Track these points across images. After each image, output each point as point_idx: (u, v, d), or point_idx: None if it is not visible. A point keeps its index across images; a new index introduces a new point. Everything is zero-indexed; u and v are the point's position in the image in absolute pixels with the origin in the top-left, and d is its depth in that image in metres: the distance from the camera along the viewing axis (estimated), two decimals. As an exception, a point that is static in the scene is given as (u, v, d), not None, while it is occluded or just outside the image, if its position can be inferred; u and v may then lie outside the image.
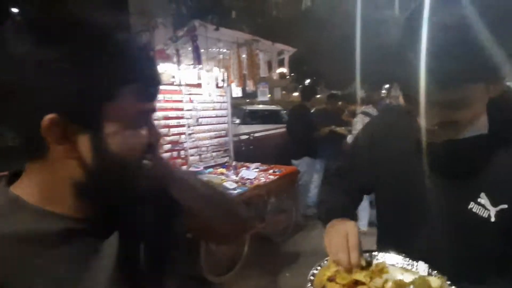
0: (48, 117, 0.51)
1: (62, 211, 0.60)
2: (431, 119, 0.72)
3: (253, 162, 4.40)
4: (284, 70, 4.38)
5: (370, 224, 4.18)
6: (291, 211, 4.32)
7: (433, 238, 0.85)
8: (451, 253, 0.82)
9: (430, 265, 0.81)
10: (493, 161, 0.78)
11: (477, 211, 0.79)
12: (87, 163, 0.56)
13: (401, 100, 0.80)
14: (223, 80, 3.83)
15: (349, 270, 0.78)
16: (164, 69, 3.30)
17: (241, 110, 9.90)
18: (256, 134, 6.40)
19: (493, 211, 0.77)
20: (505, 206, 0.76)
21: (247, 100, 12.37)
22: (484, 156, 0.79)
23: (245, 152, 5.70)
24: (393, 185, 0.94)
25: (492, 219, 0.77)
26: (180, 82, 3.43)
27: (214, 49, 3.30)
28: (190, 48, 2.98)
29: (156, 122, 0.66)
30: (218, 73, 3.64)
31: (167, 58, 2.98)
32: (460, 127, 0.75)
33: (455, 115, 0.71)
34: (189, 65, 3.27)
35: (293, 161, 4.67)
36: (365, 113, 4.22)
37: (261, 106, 10.98)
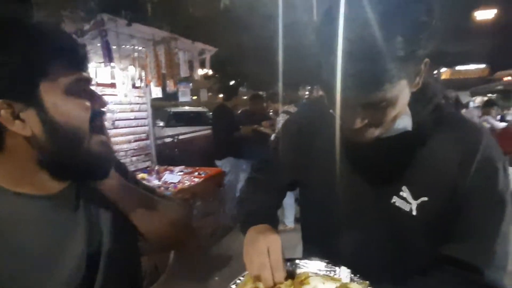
0: None
1: (33, 191, 0.68)
2: (353, 121, 0.70)
3: (178, 165, 4.23)
4: (206, 71, 4.28)
5: (297, 220, 4.29)
6: (218, 214, 4.24)
7: (357, 237, 0.84)
8: (375, 252, 0.82)
9: (352, 270, 0.78)
10: (414, 156, 0.79)
11: (400, 205, 0.79)
12: (41, 138, 0.64)
13: (326, 101, 0.77)
14: (140, 80, 3.60)
15: None
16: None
17: (165, 112, 9.54)
18: (181, 137, 6.21)
19: (414, 204, 0.77)
20: (425, 198, 0.77)
21: (173, 102, 12.00)
22: (407, 152, 0.79)
23: (169, 155, 5.49)
24: (315, 182, 0.91)
25: (414, 213, 0.77)
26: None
27: (128, 47, 3.08)
28: (99, 44, 2.72)
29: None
30: (134, 72, 3.40)
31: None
32: (385, 126, 0.73)
33: (378, 116, 0.69)
34: (100, 63, 3.00)
35: (217, 162, 4.60)
36: (287, 112, 4.31)
37: (187, 108, 10.73)
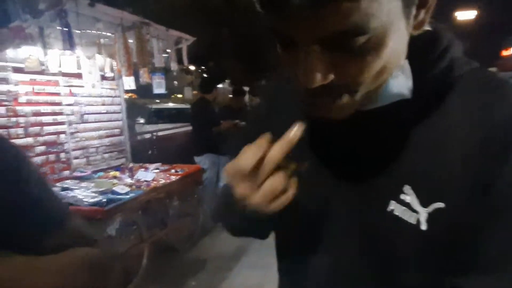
0: None
1: None
2: (310, 76, 0.43)
3: (155, 163, 3.97)
4: (187, 65, 4.03)
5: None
6: (196, 214, 3.99)
7: (342, 263, 0.57)
8: (364, 282, 0.55)
9: None
10: (421, 138, 0.50)
11: (401, 215, 0.50)
12: None
13: (279, 51, 0.48)
14: (111, 70, 3.32)
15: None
16: (29, 53, 2.69)
17: (146, 109, 9.24)
18: (160, 133, 5.95)
19: (423, 213, 0.49)
20: (441, 205, 0.47)
21: (157, 101, 11.70)
22: (406, 133, 0.51)
23: (147, 152, 5.22)
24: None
25: (423, 227, 0.49)
26: (51, 70, 2.84)
27: (93, 32, 2.80)
28: (59, 28, 2.44)
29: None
30: (102, 61, 3.12)
31: (28, 39, 2.40)
32: (364, 88, 0.46)
33: (352, 66, 0.43)
34: (63, 50, 2.72)
35: (196, 158, 4.36)
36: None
37: (170, 105, 10.47)
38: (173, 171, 3.73)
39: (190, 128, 6.34)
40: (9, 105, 2.85)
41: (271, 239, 0.71)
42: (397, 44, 0.44)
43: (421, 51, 0.50)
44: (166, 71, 4.04)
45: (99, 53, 2.89)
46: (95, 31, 2.75)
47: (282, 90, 0.68)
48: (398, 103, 0.50)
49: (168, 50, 3.70)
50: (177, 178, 3.51)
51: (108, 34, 2.94)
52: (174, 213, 3.53)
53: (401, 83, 0.50)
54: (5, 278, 0.49)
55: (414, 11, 0.44)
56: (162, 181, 3.35)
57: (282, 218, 0.58)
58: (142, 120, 8.72)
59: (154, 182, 3.31)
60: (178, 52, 3.88)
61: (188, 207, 3.81)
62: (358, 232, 0.54)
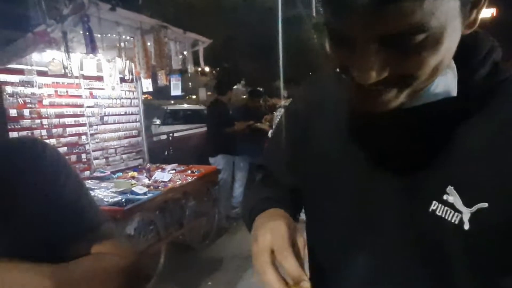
0: None
1: None
2: (366, 72, 0.44)
3: (172, 163, 4.03)
4: (201, 65, 4.08)
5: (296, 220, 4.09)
6: (212, 214, 4.03)
7: (377, 260, 0.58)
8: (405, 282, 0.56)
9: None
10: (463, 138, 0.51)
11: (443, 215, 0.51)
12: None
13: (328, 50, 0.51)
14: (129, 73, 3.39)
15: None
16: (52, 56, 2.78)
17: (162, 110, 9.36)
18: (176, 134, 6.03)
19: (466, 213, 0.50)
20: (485, 205, 0.48)
21: (172, 102, 11.84)
22: (451, 131, 0.52)
23: (163, 153, 5.30)
24: (323, 183, 0.65)
25: (466, 226, 0.50)
26: (74, 73, 2.92)
27: (113, 36, 2.87)
28: (82, 32, 2.52)
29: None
30: (122, 64, 3.20)
31: (52, 43, 2.48)
32: (417, 85, 0.46)
33: (412, 62, 0.44)
34: (85, 53, 2.80)
35: (210, 159, 4.41)
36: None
37: (185, 106, 10.57)
38: (189, 171, 3.78)
39: (205, 129, 6.43)
40: (34, 107, 2.95)
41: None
42: (452, 42, 0.45)
43: (466, 52, 0.50)
44: (182, 73, 4.10)
45: (119, 56, 2.96)
46: (115, 35, 2.82)
47: (323, 90, 0.69)
48: (443, 101, 0.51)
49: (185, 52, 3.75)
50: (193, 178, 3.56)
51: (128, 37, 3.00)
52: (190, 213, 3.57)
53: (449, 81, 0.51)
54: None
55: (468, 9, 0.45)
56: (179, 182, 3.40)
57: (319, 213, 0.60)
58: (158, 121, 8.84)
59: (171, 182, 3.37)
60: (195, 54, 3.94)
61: (204, 207, 3.85)
62: (400, 231, 0.55)
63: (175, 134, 5.95)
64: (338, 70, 0.50)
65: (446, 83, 0.51)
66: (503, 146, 0.49)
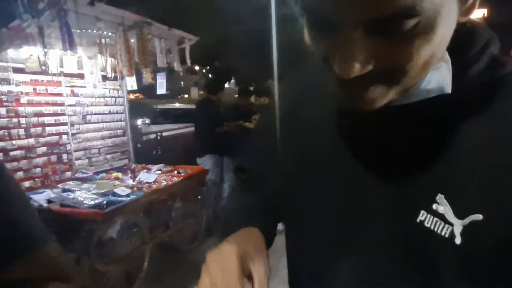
0: None
1: None
2: (352, 62, 0.37)
3: (160, 163, 3.93)
4: (188, 64, 3.98)
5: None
6: (200, 215, 3.94)
7: (362, 273, 0.52)
8: None
9: None
10: (456, 140, 0.45)
11: (432, 226, 0.44)
12: None
13: (306, 40, 0.44)
14: (112, 70, 3.28)
15: None
16: (29, 53, 2.66)
17: (151, 109, 9.24)
18: (165, 134, 5.92)
19: (458, 225, 0.43)
20: (479, 216, 0.41)
21: (163, 101, 11.71)
22: (443, 132, 0.45)
23: (151, 153, 5.20)
24: (305, 188, 0.59)
25: (457, 240, 0.43)
26: (52, 71, 2.81)
27: (94, 32, 2.76)
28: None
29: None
30: (104, 61, 3.09)
31: (28, 39, 2.37)
32: (407, 80, 0.40)
33: (398, 54, 0.38)
34: (64, 50, 2.68)
35: (198, 159, 4.32)
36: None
37: (177, 105, 10.47)
38: (175, 172, 3.69)
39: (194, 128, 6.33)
40: (10, 106, 2.83)
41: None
42: (446, 30, 0.39)
43: (461, 43, 0.44)
44: (169, 71, 4.00)
45: (101, 53, 2.85)
46: (95, 31, 2.71)
47: (307, 85, 0.63)
48: (436, 98, 0.44)
49: (171, 50, 3.65)
50: (179, 179, 3.47)
51: (109, 33, 2.90)
52: (177, 214, 3.48)
53: (442, 76, 0.44)
54: None
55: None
56: (164, 183, 3.31)
57: (304, 216, 0.57)
58: (147, 121, 8.71)
59: (156, 183, 3.27)
60: (181, 52, 3.84)
61: (191, 208, 3.76)
62: (389, 240, 0.48)
63: (164, 134, 5.84)
64: (319, 62, 0.43)
65: (440, 78, 0.44)
66: (502, 150, 0.41)
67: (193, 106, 10.32)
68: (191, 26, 4.16)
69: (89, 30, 2.77)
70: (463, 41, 0.44)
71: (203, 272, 0.53)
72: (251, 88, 5.21)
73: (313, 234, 0.58)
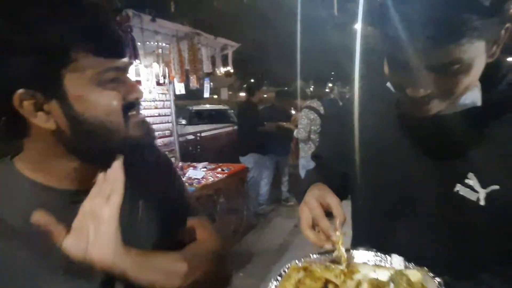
0: (17, 92, 0.53)
1: (58, 185, 0.62)
2: (416, 88, 0.63)
3: (200, 162, 4.23)
4: (229, 68, 4.27)
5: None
6: (242, 210, 4.21)
7: (415, 229, 0.76)
8: (435, 244, 0.73)
9: (405, 258, 0.70)
10: (483, 138, 0.69)
11: (465, 194, 0.70)
12: (67, 132, 0.57)
13: (385, 70, 0.70)
14: (164, 77, 3.61)
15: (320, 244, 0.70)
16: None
17: (187, 111, 9.61)
18: (203, 134, 6.23)
19: (482, 193, 0.68)
20: (496, 187, 0.66)
21: (198, 101, 12.08)
22: (474, 132, 0.70)
23: (192, 152, 5.51)
24: (373, 168, 0.83)
25: (482, 203, 0.68)
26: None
27: (152, 43, 3.09)
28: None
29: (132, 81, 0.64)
30: (158, 69, 3.42)
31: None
32: (453, 98, 0.65)
33: (451, 83, 0.62)
34: (130, 61, 3.02)
35: (240, 158, 4.58)
36: (310, 108, 4.25)
37: (208, 106, 10.76)
38: (219, 169, 3.96)
39: (230, 129, 6.61)
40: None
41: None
42: (478, 69, 0.63)
43: (488, 74, 0.67)
44: (211, 76, 4.30)
45: (157, 62, 3.18)
46: (154, 43, 3.04)
47: (374, 95, 0.87)
48: (471, 109, 0.69)
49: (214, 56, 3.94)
50: (224, 176, 3.73)
51: (164, 44, 3.22)
52: (221, 209, 3.76)
53: (475, 95, 0.68)
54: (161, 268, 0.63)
55: (491, 46, 0.63)
56: (211, 179, 3.58)
57: (367, 191, 0.82)
58: (183, 121, 9.08)
59: (204, 179, 3.55)
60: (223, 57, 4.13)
61: (234, 204, 4.03)
62: (432, 205, 0.74)
63: (203, 134, 6.15)
64: (390, 84, 0.69)
65: (473, 96, 0.68)
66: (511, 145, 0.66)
67: (226, 107, 10.67)
68: (231, 33, 4.45)
69: (147, 42, 3.10)
70: (490, 72, 0.68)
71: (300, 212, 0.76)
72: (287, 89, 5.41)
73: (374, 205, 0.83)
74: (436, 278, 0.63)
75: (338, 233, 0.70)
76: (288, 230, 4.38)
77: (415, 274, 0.64)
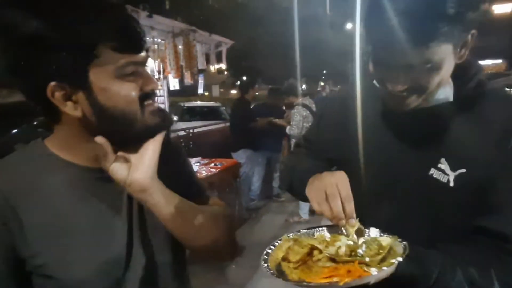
0: (50, 84, 0.62)
1: (87, 163, 0.71)
2: (395, 84, 0.74)
3: (194, 157, 4.28)
4: (221, 65, 4.33)
5: (312, 212, 4.31)
6: (233, 205, 4.29)
7: (396, 208, 0.86)
8: (410, 221, 0.83)
9: (381, 230, 0.79)
10: (454, 128, 0.80)
11: (437, 177, 0.80)
12: (91, 119, 0.65)
13: (370, 69, 0.80)
14: (159, 72, 3.66)
15: (338, 221, 0.75)
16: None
17: (179, 107, 9.61)
18: (196, 130, 6.26)
19: (452, 175, 0.79)
20: (463, 170, 0.78)
21: (189, 98, 12.06)
22: (447, 123, 0.81)
23: (185, 148, 5.53)
24: (357, 154, 0.91)
25: (451, 184, 0.78)
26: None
27: (148, 39, 3.13)
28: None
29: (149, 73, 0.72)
30: (153, 64, 3.47)
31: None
32: (427, 93, 0.75)
33: (424, 79, 0.72)
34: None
35: (233, 154, 4.65)
36: (303, 105, 4.32)
37: (199, 103, 10.77)
38: (212, 164, 4.01)
39: (222, 125, 6.65)
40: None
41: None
42: (448, 68, 0.74)
43: (459, 74, 0.79)
44: (203, 72, 4.35)
45: (152, 58, 3.23)
46: (149, 38, 3.08)
47: (362, 90, 0.95)
48: (444, 103, 0.80)
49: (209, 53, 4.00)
50: (217, 171, 3.79)
51: (159, 40, 3.27)
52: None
53: (447, 91, 0.80)
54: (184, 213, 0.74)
55: (459, 49, 0.73)
56: (204, 173, 3.64)
57: (353, 176, 0.86)
58: (175, 118, 9.08)
59: (197, 174, 3.61)
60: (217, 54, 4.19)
61: (226, 198, 4.09)
62: (411, 187, 0.84)
63: (195, 130, 6.19)
64: (375, 81, 0.78)
65: (446, 92, 0.80)
66: (478, 134, 0.78)
67: (218, 104, 10.70)
68: (224, 31, 4.50)
69: (144, 38, 3.14)
70: (461, 71, 0.79)
71: (309, 193, 0.81)
72: (280, 87, 5.49)
73: (360, 187, 0.89)
74: (403, 243, 0.72)
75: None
76: (279, 225, 4.47)
77: (385, 239, 0.75)
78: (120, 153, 0.67)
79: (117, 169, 0.67)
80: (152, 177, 0.68)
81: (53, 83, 0.61)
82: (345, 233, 0.78)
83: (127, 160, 0.67)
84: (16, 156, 0.72)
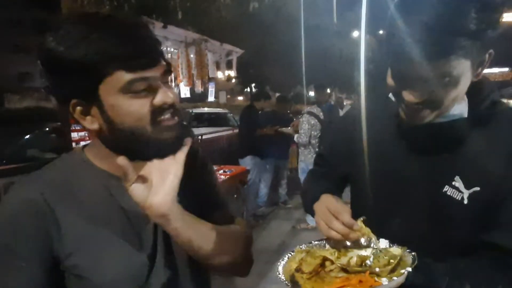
0: (72, 101, 0.67)
1: (118, 173, 0.68)
2: (416, 95, 0.74)
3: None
4: (231, 72, 4.41)
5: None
6: (241, 212, 4.32)
7: (407, 223, 0.87)
8: (422, 236, 0.84)
9: (390, 241, 0.82)
10: (468, 145, 0.80)
11: (452, 194, 0.81)
12: (106, 133, 0.68)
13: (388, 81, 0.81)
14: (171, 81, 3.75)
15: (347, 237, 0.78)
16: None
17: (187, 113, 9.69)
18: (205, 137, 6.32)
19: (466, 193, 0.79)
20: (478, 188, 0.79)
21: (195, 104, 12.09)
22: (461, 140, 0.81)
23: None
24: (372, 169, 0.93)
25: (465, 202, 0.79)
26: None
27: (162, 48, 3.23)
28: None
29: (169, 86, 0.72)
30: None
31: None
32: (442, 108, 0.76)
33: (440, 93, 0.73)
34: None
35: (240, 160, 4.71)
36: (310, 113, 4.36)
37: (206, 109, 10.82)
38: (221, 171, 4.06)
39: (230, 132, 6.71)
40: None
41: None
42: (464, 84, 0.74)
43: (474, 92, 0.80)
44: (212, 79, 4.43)
45: (165, 66, 3.31)
46: (163, 48, 3.18)
47: (376, 105, 0.98)
48: (459, 119, 0.81)
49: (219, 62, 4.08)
50: (226, 177, 3.83)
51: (172, 49, 3.36)
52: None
53: (462, 108, 0.81)
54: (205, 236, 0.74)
55: (476, 67, 0.74)
56: (214, 180, 3.68)
57: (365, 191, 0.91)
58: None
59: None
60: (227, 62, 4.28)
61: (234, 205, 4.12)
62: (423, 202, 0.85)
63: (204, 137, 6.25)
64: (391, 94, 0.82)
65: (461, 108, 0.81)
66: (493, 153, 0.80)
67: (225, 110, 10.74)
68: (234, 40, 4.59)
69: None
70: (477, 90, 0.81)
71: (316, 218, 0.86)
72: (288, 95, 5.54)
73: (372, 201, 0.93)
74: (412, 253, 0.75)
75: (358, 222, 0.81)
76: (286, 231, 4.50)
77: (395, 250, 0.78)
78: (141, 173, 0.66)
79: (137, 190, 0.65)
80: (172, 202, 0.66)
81: (74, 101, 0.66)
82: (361, 242, 0.82)
83: (147, 181, 0.66)
84: (58, 161, 0.77)
